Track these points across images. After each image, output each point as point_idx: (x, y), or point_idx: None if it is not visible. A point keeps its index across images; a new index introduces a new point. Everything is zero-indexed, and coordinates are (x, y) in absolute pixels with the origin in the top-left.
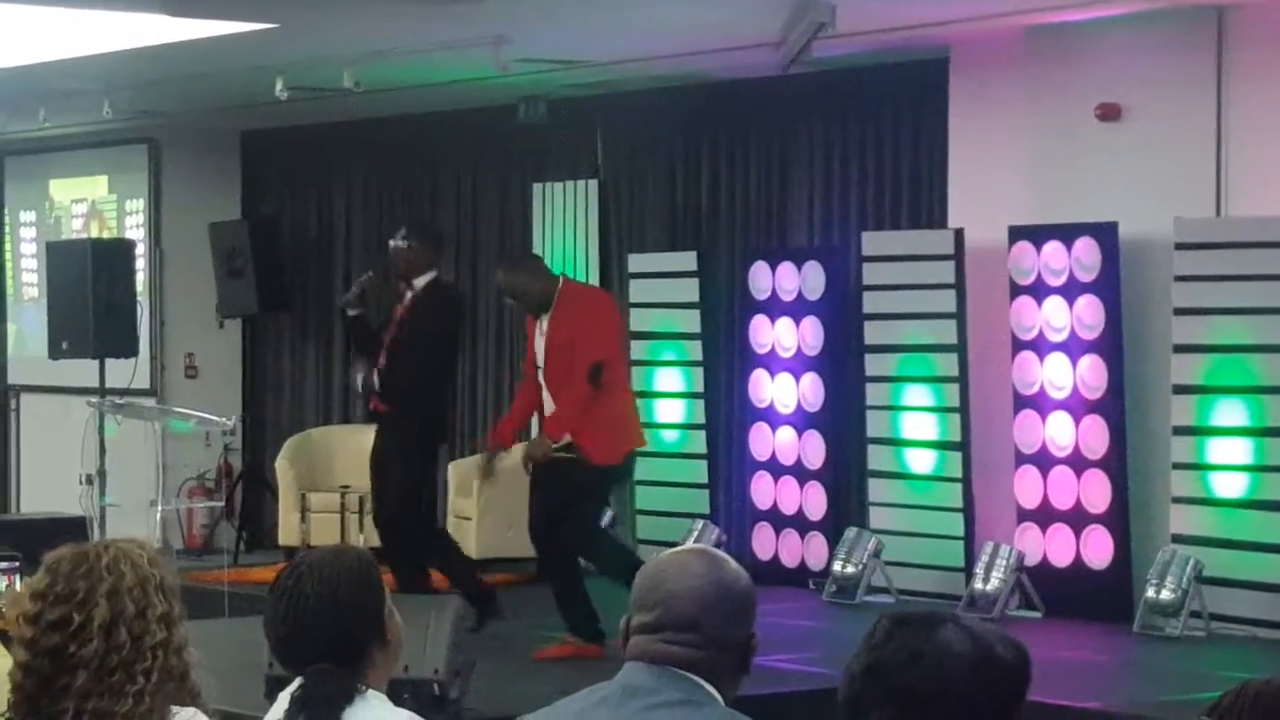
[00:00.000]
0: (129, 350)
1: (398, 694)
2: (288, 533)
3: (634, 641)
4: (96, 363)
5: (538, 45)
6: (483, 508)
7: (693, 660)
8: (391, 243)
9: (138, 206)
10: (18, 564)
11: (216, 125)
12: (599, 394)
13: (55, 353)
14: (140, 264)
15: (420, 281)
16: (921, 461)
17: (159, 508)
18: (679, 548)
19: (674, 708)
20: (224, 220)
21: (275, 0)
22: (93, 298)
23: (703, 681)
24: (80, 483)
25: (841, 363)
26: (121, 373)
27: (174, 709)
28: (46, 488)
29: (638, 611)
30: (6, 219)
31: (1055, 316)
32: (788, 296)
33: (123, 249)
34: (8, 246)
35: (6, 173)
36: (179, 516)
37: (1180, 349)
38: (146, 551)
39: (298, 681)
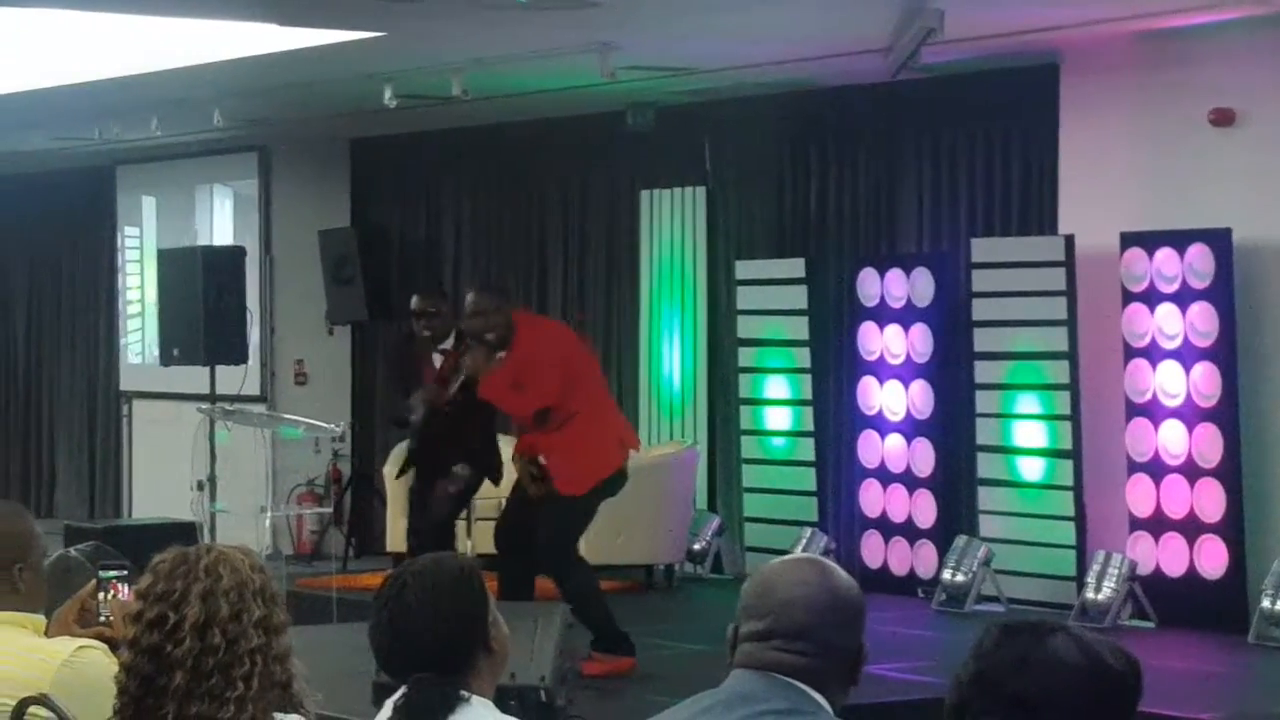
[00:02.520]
0: (239, 357)
1: (504, 701)
2: (396, 539)
3: (742, 649)
4: (207, 370)
5: (645, 52)
6: None
7: (802, 668)
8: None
9: (249, 214)
10: (126, 571)
11: (326, 133)
12: (564, 424)
13: (166, 359)
14: (252, 272)
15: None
16: (1032, 469)
17: (269, 514)
18: (788, 556)
19: (781, 716)
20: (333, 227)
21: (383, 9)
22: (203, 305)
23: (811, 690)
24: (191, 489)
25: (951, 370)
26: (232, 379)
27: (277, 716)
28: (158, 494)
29: (746, 619)
30: (119, 228)
31: (1168, 323)
32: (897, 303)
33: (233, 256)
34: (119, 256)
35: (118, 183)
36: (288, 522)
37: None
38: (249, 557)
39: (402, 690)
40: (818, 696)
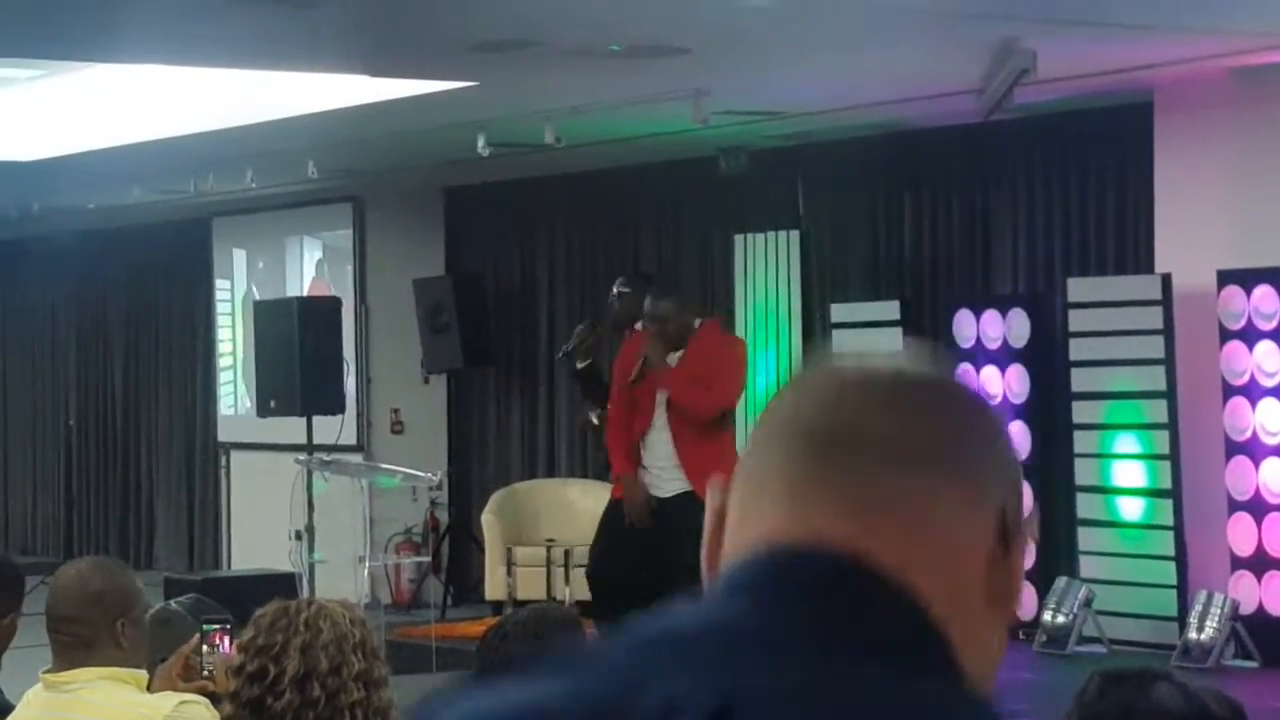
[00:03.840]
0: (336, 407)
1: None
2: (494, 587)
3: None
4: (303, 420)
5: (737, 97)
6: None
7: None
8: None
9: (344, 265)
10: (229, 624)
11: (420, 182)
12: (717, 436)
13: (263, 411)
14: (347, 322)
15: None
16: (1132, 509)
17: (367, 563)
18: None
19: None
20: (428, 276)
21: (476, 59)
22: (300, 356)
23: None
24: (289, 539)
25: (1048, 410)
26: (329, 430)
27: None
28: (257, 545)
29: None
30: (214, 279)
31: (1267, 361)
32: (993, 344)
33: (329, 307)
34: (215, 308)
35: (214, 235)
36: (386, 572)
37: None
38: (350, 611)
39: None
40: None
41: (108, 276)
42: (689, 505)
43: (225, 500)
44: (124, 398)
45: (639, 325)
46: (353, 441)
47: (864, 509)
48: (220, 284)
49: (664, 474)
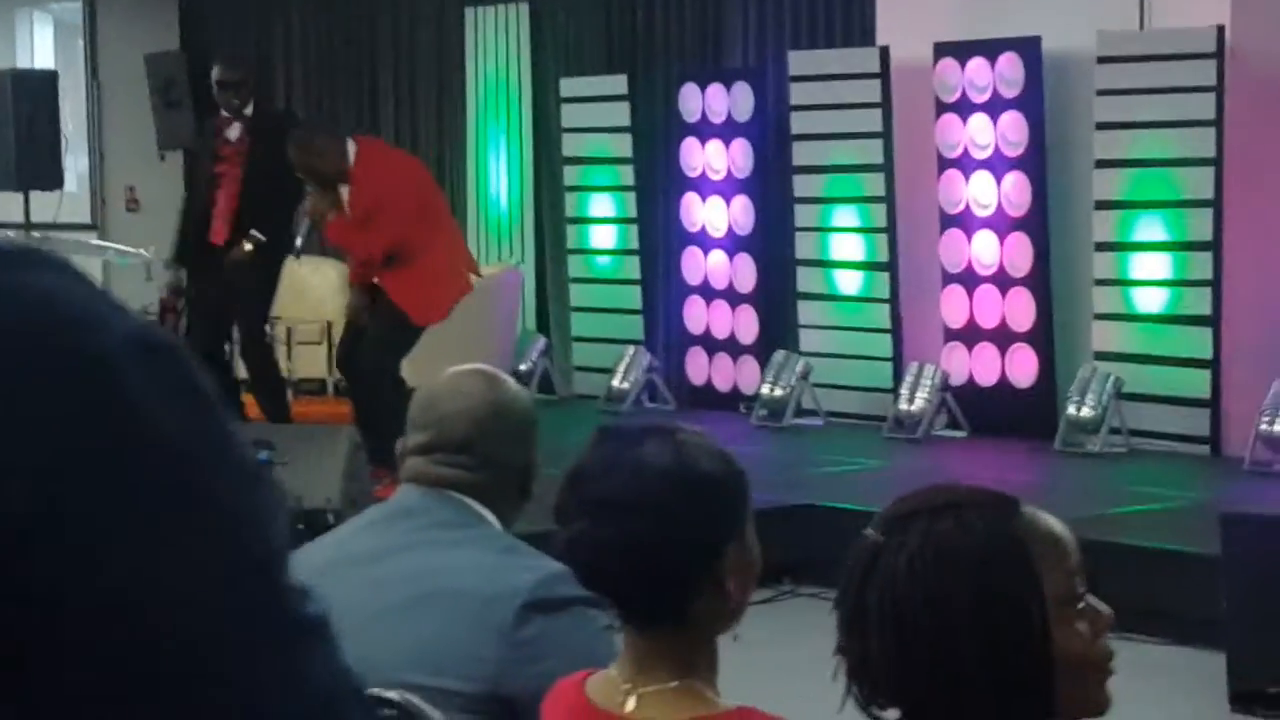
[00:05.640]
0: (53, 183)
1: (291, 526)
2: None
3: (408, 464)
4: (48, 199)
5: None
6: None
7: (467, 482)
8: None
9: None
10: None
11: None
12: (413, 259)
13: None
14: (78, 97)
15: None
16: (849, 283)
17: None
18: (456, 368)
19: (444, 529)
20: (160, 51)
21: None
22: (14, 131)
23: (478, 505)
24: None
25: (771, 185)
26: (54, 207)
27: None
28: None
29: (412, 432)
30: None
31: (980, 134)
32: (718, 118)
33: (45, 81)
34: None
35: None
36: None
37: (1102, 164)
38: None
39: None
40: (485, 511)
41: None
42: (395, 314)
43: None
44: None
45: None
46: (86, 220)
47: None
48: None
49: None
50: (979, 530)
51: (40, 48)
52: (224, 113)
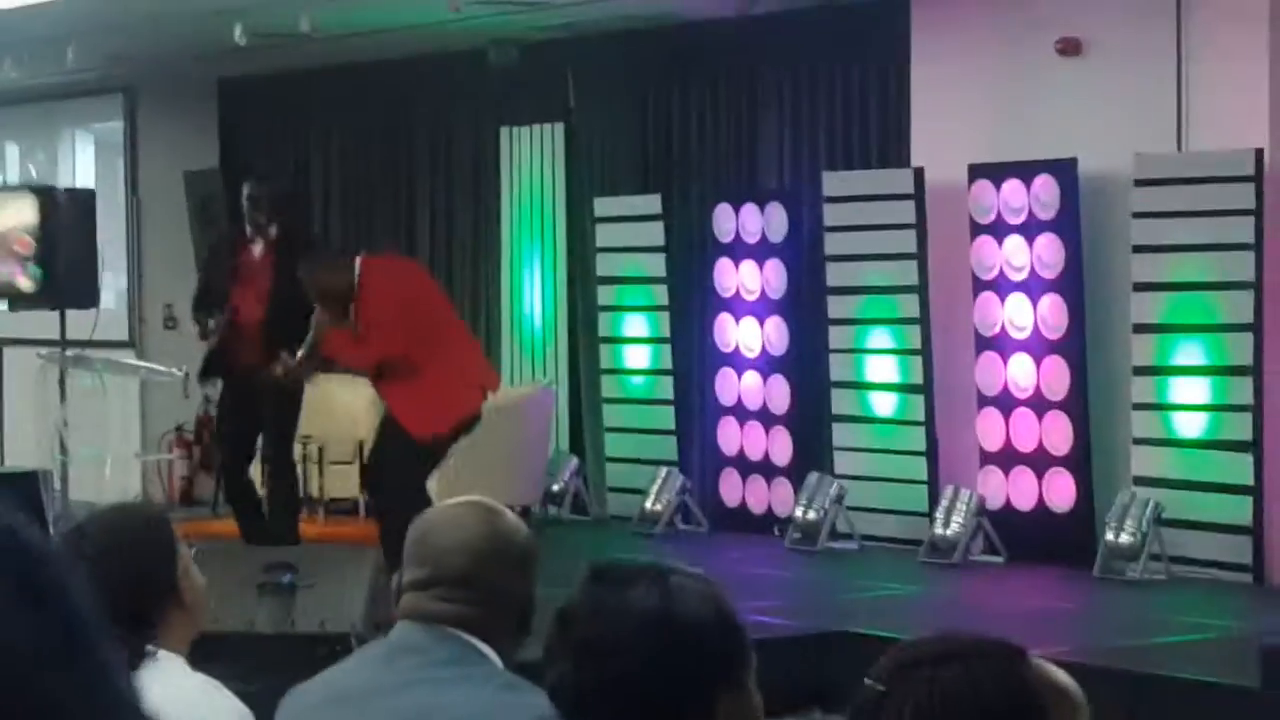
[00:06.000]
0: (88, 301)
1: (314, 650)
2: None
3: (405, 599)
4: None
5: None
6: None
7: (466, 618)
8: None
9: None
10: None
11: (193, 74)
12: (411, 375)
13: (14, 304)
14: (118, 215)
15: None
16: (884, 404)
17: (139, 459)
18: (454, 499)
19: (443, 667)
20: (199, 169)
21: None
22: (51, 248)
23: (477, 641)
24: (55, 434)
25: (805, 306)
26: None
27: None
28: (29, 441)
29: (409, 567)
30: None
31: (1015, 256)
32: (751, 239)
33: (82, 198)
34: None
35: None
36: (159, 468)
37: (1140, 287)
38: None
39: None
40: (484, 647)
41: None
42: (398, 432)
43: None
44: None
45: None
46: (124, 337)
47: None
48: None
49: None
50: (985, 683)
51: (82, 166)
52: (249, 228)
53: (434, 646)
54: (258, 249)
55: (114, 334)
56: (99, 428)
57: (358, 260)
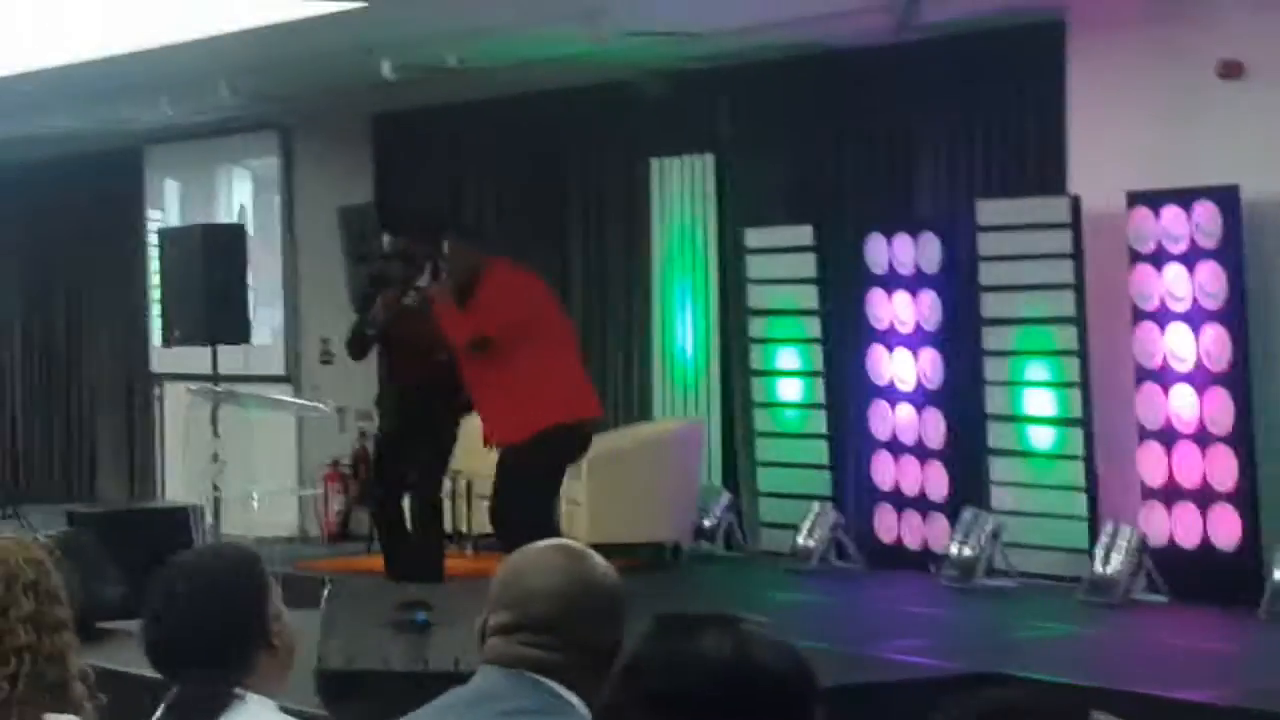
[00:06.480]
0: (240, 336)
1: (446, 688)
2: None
3: (489, 644)
4: (237, 350)
5: (633, 17)
6: (592, 493)
7: (551, 664)
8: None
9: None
10: None
11: (347, 110)
12: (501, 367)
13: (167, 340)
14: (273, 251)
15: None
16: (1042, 438)
17: (295, 494)
18: (541, 542)
19: (526, 715)
20: (353, 204)
21: None
22: (203, 284)
23: (562, 689)
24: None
25: (960, 337)
26: (255, 359)
27: (49, 718)
28: (190, 475)
29: (494, 611)
30: (148, 210)
31: (1176, 285)
32: (905, 269)
33: (232, 234)
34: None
35: (146, 164)
36: (315, 503)
37: None
38: (26, 550)
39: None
40: (569, 695)
41: (47, 206)
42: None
43: (159, 431)
44: (66, 328)
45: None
46: (280, 372)
47: None
48: (152, 214)
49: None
50: None
51: (238, 203)
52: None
53: (517, 693)
54: (423, 279)
55: (270, 369)
56: (254, 462)
57: (487, 261)
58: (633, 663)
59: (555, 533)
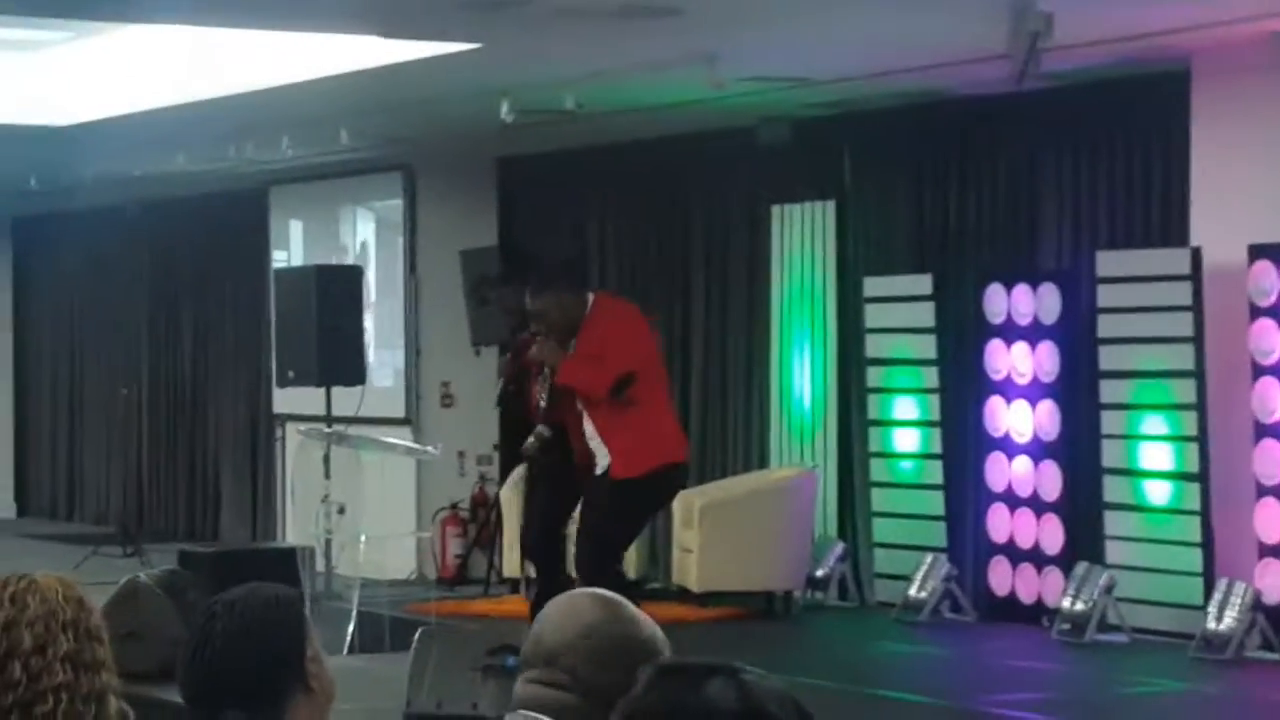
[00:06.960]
0: (354, 378)
1: None
2: (510, 564)
3: (518, 687)
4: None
5: (751, 63)
6: (704, 540)
7: (579, 710)
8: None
9: (395, 236)
10: None
11: (471, 152)
12: (630, 407)
13: (282, 381)
14: (396, 293)
15: None
16: (1158, 493)
17: (414, 536)
18: (575, 591)
19: None
20: (476, 248)
21: (477, 19)
22: (318, 326)
23: None
24: (326, 511)
25: (1078, 389)
26: (377, 402)
27: None
28: (307, 517)
29: (525, 655)
30: (273, 250)
31: None
32: (1023, 320)
33: (348, 276)
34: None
35: (271, 205)
36: (432, 546)
37: None
38: (66, 589)
39: None
40: None
41: (174, 247)
42: (602, 482)
43: (280, 472)
44: (192, 368)
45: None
46: (400, 414)
47: None
48: (277, 254)
49: (598, 450)
50: None
51: (360, 243)
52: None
53: None
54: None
55: (391, 411)
56: (371, 504)
57: (590, 295)
58: (633, 711)
59: (618, 570)
